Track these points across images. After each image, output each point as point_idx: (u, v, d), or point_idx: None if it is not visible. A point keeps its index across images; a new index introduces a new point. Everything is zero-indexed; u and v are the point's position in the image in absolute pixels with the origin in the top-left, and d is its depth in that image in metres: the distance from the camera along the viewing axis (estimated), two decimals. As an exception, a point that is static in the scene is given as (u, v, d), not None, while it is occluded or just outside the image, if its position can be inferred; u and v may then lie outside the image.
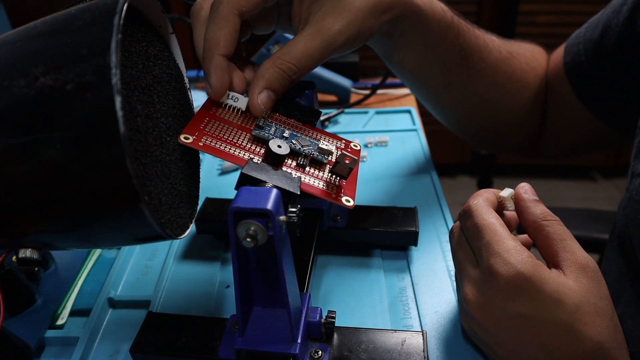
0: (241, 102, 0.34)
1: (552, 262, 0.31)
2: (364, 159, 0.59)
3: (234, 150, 0.32)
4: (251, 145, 0.33)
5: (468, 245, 0.33)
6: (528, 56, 0.53)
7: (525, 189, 0.34)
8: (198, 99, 0.70)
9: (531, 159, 0.62)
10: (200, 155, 0.35)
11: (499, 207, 0.35)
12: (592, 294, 0.29)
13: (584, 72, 0.50)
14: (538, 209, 0.32)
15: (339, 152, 0.34)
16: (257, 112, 0.32)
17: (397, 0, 0.36)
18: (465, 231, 0.34)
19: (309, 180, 0.32)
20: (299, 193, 0.30)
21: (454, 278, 0.41)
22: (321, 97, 0.76)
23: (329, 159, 0.34)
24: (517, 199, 0.34)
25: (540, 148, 0.59)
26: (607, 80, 0.49)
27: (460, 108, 0.51)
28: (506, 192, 0.35)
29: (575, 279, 0.29)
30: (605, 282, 0.30)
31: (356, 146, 0.37)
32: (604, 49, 0.48)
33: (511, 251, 0.29)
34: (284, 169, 0.32)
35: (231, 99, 0.34)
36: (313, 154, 0.33)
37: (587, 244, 0.74)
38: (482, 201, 0.33)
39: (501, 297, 0.29)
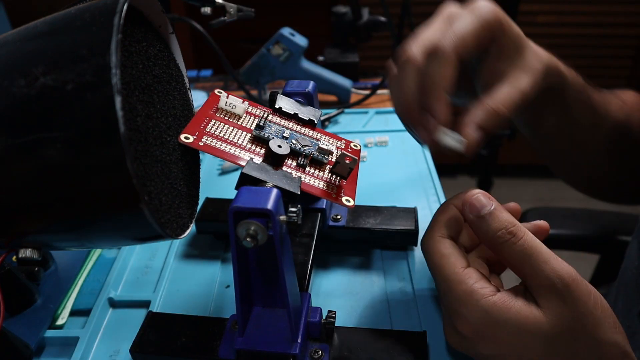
0: (239, 108, 0.34)
1: (522, 282, 0.29)
2: (364, 159, 0.59)
3: (234, 150, 0.32)
4: (251, 145, 0.33)
5: None
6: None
7: (470, 202, 0.31)
8: (198, 99, 0.71)
9: None
10: (200, 155, 0.35)
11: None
12: (565, 318, 0.27)
13: None
14: (491, 225, 0.29)
15: (339, 152, 0.34)
16: (470, 151, 0.32)
17: (554, 69, 0.36)
18: None
19: (309, 180, 0.32)
20: (299, 193, 0.30)
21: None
22: (321, 97, 0.76)
23: (329, 159, 0.34)
24: (465, 217, 0.31)
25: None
26: None
27: (578, 159, 0.50)
28: (442, 138, 0.31)
29: (545, 304, 0.27)
30: (585, 291, 0.27)
31: (356, 146, 0.37)
32: None
33: (461, 299, 0.28)
34: (284, 169, 0.32)
35: (228, 106, 0.34)
36: (313, 154, 0.33)
37: (587, 244, 0.74)
38: (430, 236, 0.32)
39: (468, 341, 0.29)
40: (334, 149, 0.35)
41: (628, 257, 0.47)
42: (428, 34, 0.33)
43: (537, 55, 0.35)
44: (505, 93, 0.33)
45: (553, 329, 0.27)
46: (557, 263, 0.28)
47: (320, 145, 0.34)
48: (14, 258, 0.29)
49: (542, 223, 0.35)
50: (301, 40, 0.70)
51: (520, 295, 0.29)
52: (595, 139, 0.46)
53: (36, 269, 0.42)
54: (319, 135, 0.36)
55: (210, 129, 0.32)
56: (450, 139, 0.31)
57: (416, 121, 0.32)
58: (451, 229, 0.32)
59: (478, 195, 0.31)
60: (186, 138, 0.31)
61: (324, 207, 0.41)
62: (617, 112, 0.46)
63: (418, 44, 0.33)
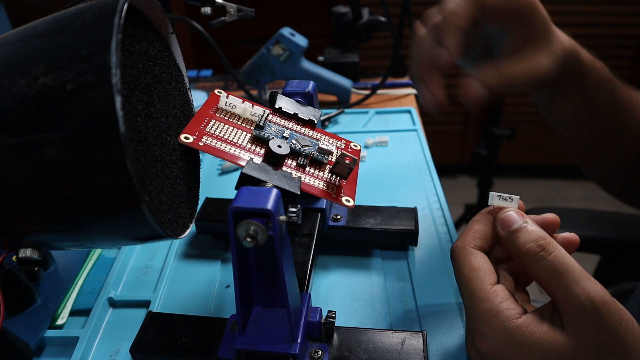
0: (238, 108, 0.34)
1: (551, 302, 0.28)
2: (364, 159, 0.59)
3: (234, 150, 0.32)
4: (251, 145, 0.33)
5: None
6: None
7: (501, 219, 0.30)
8: (198, 99, 0.71)
9: None
10: (200, 155, 0.35)
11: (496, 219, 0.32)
12: (591, 344, 0.26)
13: None
14: (521, 239, 0.29)
15: (339, 152, 0.34)
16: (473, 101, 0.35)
17: (574, 55, 0.38)
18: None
19: (309, 180, 0.32)
20: (299, 193, 0.30)
21: (454, 278, 0.41)
22: (321, 97, 0.76)
23: (329, 159, 0.34)
24: (497, 232, 0.31)
25: None
26: None
27: (607, 158, 0.49)
28: (495, 201, 0.31)
29: (571, 328, 0.26)
30: (616, 316, 0.26)
31: (356, 146, 0.37)
32: None
33: (485, 318, 0.27)
34: (284, 169, 0.32)
35: (228, 106, 0.34)
36: (313, 154, 0.33)
37: (587, 244, 0.74)
38: (464, 245, 0.31)
39: (491, 357, 0.28)
40: (333, 149, 0.35)
41: None
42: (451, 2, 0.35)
43: (560, 42, 0.36)
44: (522, 66, 0.35)
45: (576, 356, 0.26)
46: (590, 284, 0.26)
47: (320, 145, 0.34)
48: (14, 258, 0.29)
49: (551, 217, 0.33)
50: (301, 40, 0.70)
51: (547, 318, 0.27)
52: (624, 137, 0.45)
53: (36, 269, 0.42)
54: (319, 135, 0.36)
55: (210, 129, 0.32)
56: (502, 201, 0.31)
57: (424, 75, 0.35)
58: (485, 241, 0.31)
59: (511, 212, 0.30)
60: (186, 138, 0.31)
61: (324, 207, 0.41)
62: None
63: (441, 10, 0.35)
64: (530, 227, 0.29)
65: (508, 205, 0.31)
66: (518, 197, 0.31)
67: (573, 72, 0.38)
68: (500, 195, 0.31)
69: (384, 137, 0.62)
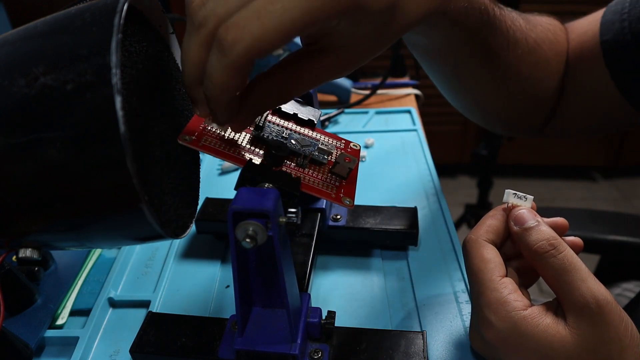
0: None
1: (556, 298, 0.29)
2: (364, 159, 0.59)
3: (234, 151, 0.32)
4: (251, 146, 0.33)
5: None
6: (552, 40, 0.49)
7: (515, 215, 0.32)
8: (198, 99, 0.70)
9: (542, 138, 0.58)
10: (200, 155, 0.35)
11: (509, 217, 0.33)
12: (591, 341, 0.27)
13: (627, 53, 0.44)
14: (533, 236, 0.30)
15: (339, 152, 0.34)
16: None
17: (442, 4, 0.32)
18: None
19: (309, 180, 0.32)
20: (298, 193, 0.30)
21: (453, 278, 0.41)
22: (321, 97, 0.76)
23: (329, 159, 0.34)
24: (509, 228, 0.32)
25: (554, 127, 0.54)
26: None
27: (481, 101, 0.49)
28: (510, 198, 0.33)
29: (573, 323, 0.27)
30: (617, 317, 0.27)
31: (356, 146, 0.37)
32: None
33: (492, 307, 0.29)
34: (284, 169, 0.32)
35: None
36: (313, 154, 0.33)
37: (587, 244, 0.74)
38: (477, 237, 0.32)
39: (491, 348, 0.30)
40: (333, 149, 0.35)
41: None
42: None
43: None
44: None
45: (577, 349, 0.27)
46: (595, 284, 0.27)
47: (319, 146, 0.34)
48: (14, 258, 0.29)
49: (561, 221, 0.34)
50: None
51: (551, 311, 0.29)
52: (484, 78, 0.44)
53: (36, 269, 0.42)
54: (319, 135, 0.36)
55: (210, 129, 0.32)
56: (517, 199, 0.32)
57: (195, 95, 0.28)
58: (497, 236, 0.32)
59: (524, 210, 0.32)
60: (185, 138, 0.31)
61: (324, 207, 0.41)
62: (524, 44, 0.44)
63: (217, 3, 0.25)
64: (542, 227, 0.30)
65: (522, 203, 0.32)
66: (532, 197, 0.32)
67: (444, 18, 0.33)
68: (515, 194, 0.32)
69: (383, 137, 0.63)
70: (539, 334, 0.28)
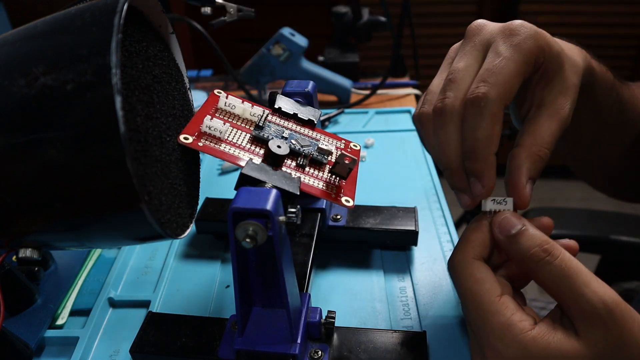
0: (509, 204, 0.31)
1: (561, 309, 0.27)
2: (364, 159, 0.59)
3: (234, 151, 0.32)
4: (251, 146, 0.33)
5: None
6: None
7: (499, 223, 0.30)
8: (198, 99, 0.71)
9: None
10: (200, 155, 0.35)
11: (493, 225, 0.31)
12: (608, 348, 0.25)
13: None
14: (523, 244, 0.28)
15: (339, 152, 0.34)
16: (526, 204, 0.31)
17: (587, 69, 0.35)
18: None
19: (309, 180, 0.32)
20: (298, 193, 0.30)
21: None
22: (321, 97, 0.76)
23: (329, 159, 0.34)
24: (495, 237, 0.30)
25: None
26: None
27: (604, 158, 0.49)
28: (488, 205, 0.31)
29: (586, 333, 0.25)
30: (629, 317, 0.25)
31: (356, 146, 0.37)
32: None
33: (497, 333, 0.26)
34: (284, 169, 0.32)
35: (227, 106, 0.33)
36: (313, 154, 0.33)
37: (587, 244, 0.74)
38: (464, 256, 0.29)
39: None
40: (333, 149, 0.35)
41: None
42: (464, 73, 0.31)
43: (574, 67, 0.33)
44: (547, 129, 0.31)
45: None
46: (600, 286, 0.25)
47: (319, 146, 0.34)
48: (14, 258, 0.29)
49: (546, 221, 0.32)
50: (301, 40, 0.70)
51: (559, 324, 0.26)
52: (622, 136, 0.45)
53: (36, 269, 0.42)
54: (319, 135, 0.36)
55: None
56: (497, 205, 0.31)
57: (460, 184, 0.31)
58: (485, 249, 0.30)
59: (507, 215, 0.30)
60: (185, 139, 0.31)
61: (324, 207, 0.41)
62: None
63: (456, 88, 0.30)
64: (531, 231, 0.28)
65: (503, 208, 0.30)
66: (512, 198, 0.31)
67: (585, 85, 0.36)
68: (494, 200, 0.31)
69: (383, 137, 0.63)
70: (552, 353, 0.25)
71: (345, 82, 0.74)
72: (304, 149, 0.33)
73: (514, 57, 0.29)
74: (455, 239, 0.45)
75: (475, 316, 0.27)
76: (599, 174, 0.52)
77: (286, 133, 0.34)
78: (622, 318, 0.25)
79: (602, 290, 0.25)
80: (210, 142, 0.32)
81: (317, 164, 0.34)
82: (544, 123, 0.31)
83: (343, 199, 0.32)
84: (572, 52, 0.34)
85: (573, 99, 0.32)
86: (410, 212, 0.44)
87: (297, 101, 0.37)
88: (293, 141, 0.33)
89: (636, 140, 0.45)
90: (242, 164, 0.31)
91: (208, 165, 0.60)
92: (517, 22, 0.31)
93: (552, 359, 0.25)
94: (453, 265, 0.30)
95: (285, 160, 0.33)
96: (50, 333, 0.38)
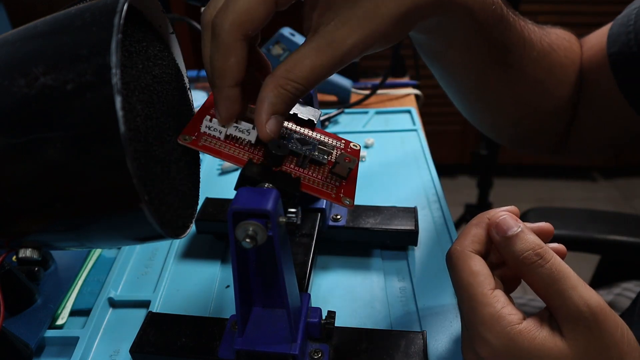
0: (252, 135, 0.32)
1: (549, 310, 0.28)
2: (364, 159, 0.59)
3: (234, 151, 0.32)
4: (250, 146, 0.33)
5: None
6: (566, 47, 0.48)
7: (497, 222, 0.30)
8: (198, 99, 0.71)
9: (556, 156, 0.57)
10: (200, 155, 0.35)
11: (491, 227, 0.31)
12: (590, 350, 0.26)
13: (633, 65, 0.44)
14: (517, 246, 0.29)
15: (339, 152, 0.34)
16: (267, 140, 0.30)
17: (438, 2, 0.31)
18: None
19: (309, 180, 0.32)
20: (298, 193, 0.30)
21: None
22: (321, 97, 0.76)
23: (329, 159, 0.34)
24: (492, 237, 0.31)
25: (569, 145, 0.54)
26: None
27: (494, 107, 0.47)
28: (230, 131, 0.30)
29: (570, 334, 0.26)
30: (613, 322, 0.26)
31: (356, 146, 0.37)
32: None
33: (487, 323, 0.27)
34: (284, 169, 0.32)
35: (240, 131, 0.32)
36: (312, 154, 0.33)
37: (587, 244, 0.74)
38: (462, 248, 0.30)
39: None
40: (333, 149, 0.35)
41: None
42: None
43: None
44: (308, 63, 0.28)
45: None
46: (586, 290, 0.26)
47: (319, 146, 0.34)
48: (14, 258, 0.29)
49: (546, 227, 0.33)
50: (301, 40, 0.70)
51: (546, 323, 0.28)
52: (500, 78, 0.43)
53: (36, 269, 0.42)
54: (319, 135, 0.36)
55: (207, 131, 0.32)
56: (239, 132, 0.30)
57: (215, 102, 0.30)
58: (483, 246, 0.31)
59: (505, 216, 0.30)
60: (185, 139, 0.31)
61: (324, 207, 0.41)
62: (539, 46, 0.43)
63: (208, 11, 0.29)
64: (526, 234, 0.29)
65: (245, 137, 0.30)
66: (255, 131, 0.30)
67: (451, 17, 0.33)
68: (236, 127, 0.30)
69: (383, 137, 0.63)
70: (536, 348, 0.26)
71: (345, 82, 0.74)
72: (304, 149, 0.33)
73: None
74: (455, 240, 0.45)
75: (468, 307, 0.28)
76: (483, 117, 0.50)
77: (286, 133, 0.34)
78: (605, 322, 0.26)
79: (588, 294, 0.26)
80: (210, 142, 0.32)
81: (317, 164, 0.34)
82: (307, 54, 0.28)
83: (343, 199, 0.32)
84: None
85: (370, 32, 0.28)
86: (410, 212, 0.44)
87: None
88: (293, 141, 0.33)
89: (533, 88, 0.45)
90: (242, 164, 0.31)
91: (208, 165, 0.60)
92: None
93: (535, 352, 0.26)
94: (450, 256, 0.31)
95: (285, 160, 0.33)
96: (50, 333, 0.38)
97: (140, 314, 0.40)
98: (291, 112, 0.36)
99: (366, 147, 0.62)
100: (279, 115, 0.29)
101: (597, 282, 0.78)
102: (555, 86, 0.47)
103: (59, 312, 0.40)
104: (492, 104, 0.47)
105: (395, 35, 0.31)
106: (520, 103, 0.47)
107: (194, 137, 0.31)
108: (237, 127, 0.30)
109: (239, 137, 0.33)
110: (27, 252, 0.28)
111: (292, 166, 0.33)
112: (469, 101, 0.48)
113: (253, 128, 0.32)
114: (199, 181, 0.35)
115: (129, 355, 0.34)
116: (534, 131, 0.51)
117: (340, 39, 0.28)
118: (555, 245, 0.32)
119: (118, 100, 0.23)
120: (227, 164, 0.59)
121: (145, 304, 0.41)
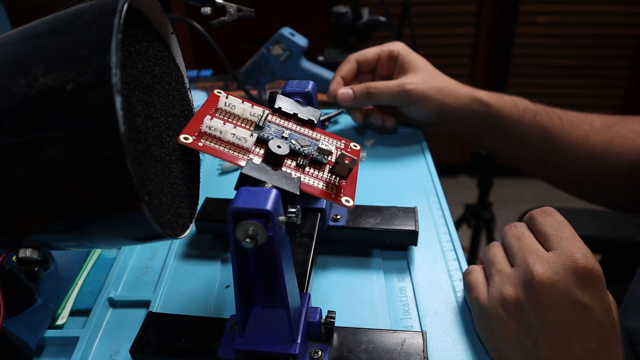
0: (238, 108, 0.34)
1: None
2: (364, 159, 0.59)
3: (234, 151, 0.32)
4: (250, 146, 0.33)
5: (534, 236, 0.36)
6: (635, 122, 0.56)
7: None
8: (198, 99, 0.70)
9: (633, 214, 0.65)
10: (200, 155, 0.35)
11: None
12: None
13: None
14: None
15: (339, 152, 0.34)
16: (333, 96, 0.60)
17: (457, 106, 0.54)
18: (541, 224, 0.36)
19: (309, 180, 0.32)
20: (298, 193, 0.30)
21: (453, 278, 0.41)
22: (321, 97, 0.76)
23: (329, 159, 0.34)
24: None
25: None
26: None
27: (555, 176, 0.62)
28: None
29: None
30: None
31: (356, 146, 0.37)
32: None
33: (588, 248, 0.34)
34: (284, 169, 0.32)
35: (227, 106, 0.34)
36: (313, 154, 0.33)
37: (587, 244, 0.74)
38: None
39: (573, 282, 0.31)
40: (333, 149, 0.35)
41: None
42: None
43: (426, 78, 0.56)
44: (385, 86, 0.56)
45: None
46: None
47: (319, 146, 0.34)
48: (14, 258, 0.29)
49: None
50: (301, 40, 0.70)
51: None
52: (548, 152, 0.58)
53: (36, 269, 0.42)
54: (319, 135, 0.36)
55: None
56: (229, 108, 0.34)
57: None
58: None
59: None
60: (185, 139, 0.31)
61: (324, 207, 0.41)
62: (588, 125, 0.56)
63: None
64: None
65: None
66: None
67: (476, 116, 0.52)
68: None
69: (383, 137, 0.62)
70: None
71: (345, 82, 0.74)
72: (304, 149, 0.33)
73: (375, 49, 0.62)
74: (455, 239, 0.45)
75: (572, 234, 0.35)
76: (558, 182, 0.67)
77: (286, 133, 0.34)
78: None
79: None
80: (210, 142, 0.32)
81: (317, 164, 0.34)
82: (387, 83, 0.56)
83: (343, 199, 0.32)
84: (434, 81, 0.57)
85: (400, 88, 0.56)
86: (410, 212, 0.44)
87: (297, 101, 0.37)
88: (293, 141, 0.33)
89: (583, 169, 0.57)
90: (242, 164, 0.31)
91: (208, 165, 0.60)
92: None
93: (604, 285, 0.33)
94: (553, 210, 0.37)
95: (285, 160, 0.33)
96: (50, 333, 0.38)
97: (140, 314, 0.40)
98: (291, 112, 0.36)
99: (366, 147, 0.62)
100: (355, 96, 0.58)
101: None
102: (616, 155, 0.55)
103: (59, 312, 0.40)
104: (551, 172, 0.65)
105: (405, 94, 0.58)
106: (579, 172, 0.60)
107: (194, 137, 0.31)
108: (234, 134, 0.32)
109: (239, 138, 0.33)
110: (27, 252, 0.28)
111: (292, 166, 0.33)
112: (531, 170, 0.65)
113: (250, 135, 0.33)
114: (199, 181, 0.35)
115: (129, 355, 0.34)
116: (596, 194, 0.62)
117: (403, 83, 0.57)
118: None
119: (118, 100, 0.23)
120: (227, 164, 0.59)
121: (145, 304, 0.41)
